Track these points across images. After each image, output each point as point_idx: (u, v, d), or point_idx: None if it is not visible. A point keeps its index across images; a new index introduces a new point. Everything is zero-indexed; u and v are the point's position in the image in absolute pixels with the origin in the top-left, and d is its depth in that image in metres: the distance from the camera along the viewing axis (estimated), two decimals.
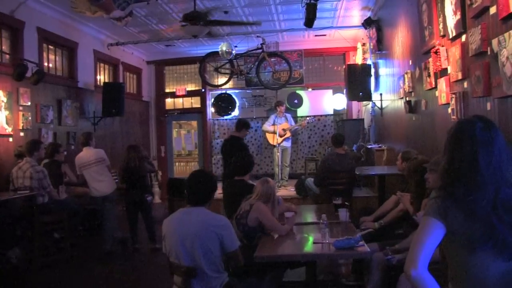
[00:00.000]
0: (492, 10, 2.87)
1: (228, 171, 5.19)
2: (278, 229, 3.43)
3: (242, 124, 6.48)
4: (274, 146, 8.33)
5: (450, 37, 3.67)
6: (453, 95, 3.63)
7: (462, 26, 3.38)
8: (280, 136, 8.25)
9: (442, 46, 3.91)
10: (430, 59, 4.18)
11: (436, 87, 4.19)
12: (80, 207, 5.95)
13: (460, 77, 3.51)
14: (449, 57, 3.76)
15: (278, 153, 8.25)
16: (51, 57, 7.19)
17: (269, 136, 8.49)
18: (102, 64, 8.78)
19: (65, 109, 7.10)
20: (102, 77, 8.78)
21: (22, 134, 6.07)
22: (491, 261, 1.49)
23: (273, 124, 8.32)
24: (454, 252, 1.56)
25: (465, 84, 3.46)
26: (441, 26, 3.94)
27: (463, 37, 3.44)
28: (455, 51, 3.56)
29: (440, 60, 3.92)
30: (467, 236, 1.48)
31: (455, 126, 1.62)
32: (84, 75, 7.84)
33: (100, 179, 5.76)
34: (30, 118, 6.21)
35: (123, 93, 8.04)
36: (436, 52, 3.97)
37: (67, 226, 5.51)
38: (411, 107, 5.24)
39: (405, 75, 5.47)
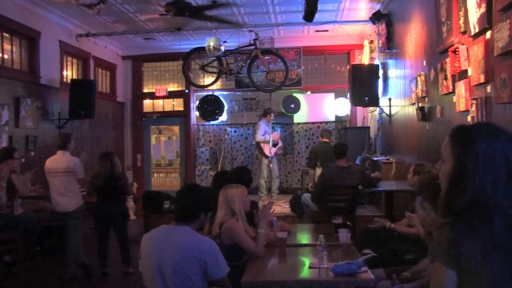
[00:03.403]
0: None
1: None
2: (251, 249, 3.39)
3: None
4: (267, 156, 8.35)
5: (472, 33, 3.64)
6: (474, 101, 3.60)
7: (487, 21, 3.33)
8: (274, 145, 8.46)
9: (462, 44, 3.89)
10: (448, 60, 4.15)
11: (453, 92, 4.18)
12: (38, 224, 5.78)
13: (482, 80, 3.47)
14: (470, 57, 3.73)
15: (272, 164, 8.25)
16: (7, 47, 7.03)
17: (265, 147, 8.53)
18: (69, 58, 8.67)
19: (23, 108, 6.94)
20: (70, 73, 8.67)
21: None
22: None
23: (266, 134, 8.46)
24: None
25: (488, 88, 3.43)
26: (461, 21, 3.92)
27: (488, 34, 3.40)
28: (478, 50, 3.52)
29: (459, 60, 3.89)
30: (487, 272, 1.40)
31: (479, 138, 1.50)
32: (47, 70, 7.70)
33: (64, 192, 5.60)
34: None
35: (94, 92, 7.94)
36: (454, 51, 3.93)
37: (21, 247, 5.37)
38: (424, 115, 5.23)
39: (418, 78, 5.46)
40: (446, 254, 1.45)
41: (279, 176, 8.84)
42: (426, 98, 5.25)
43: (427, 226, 3.25)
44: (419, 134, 5.61)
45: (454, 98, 4.13)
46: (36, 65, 7.47)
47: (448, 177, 1.52)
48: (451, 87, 4.23)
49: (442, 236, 1.48)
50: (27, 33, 7.33)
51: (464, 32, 3.87)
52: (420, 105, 5.38)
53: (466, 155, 1.48)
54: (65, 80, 8.29)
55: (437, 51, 4.66)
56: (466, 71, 3.83)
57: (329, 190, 5.75)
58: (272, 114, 8.59)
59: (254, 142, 10.11)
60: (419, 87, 5.42)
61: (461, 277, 1.44)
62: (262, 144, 8.55)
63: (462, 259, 1.42)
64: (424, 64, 5.32)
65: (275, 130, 8.73)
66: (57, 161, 5.63)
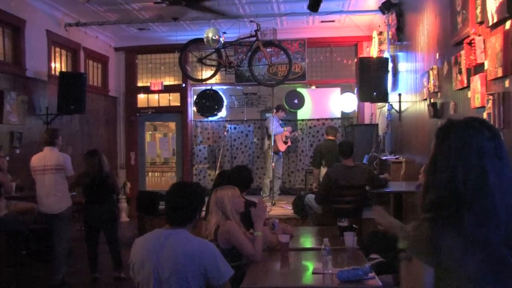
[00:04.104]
0: None
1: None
2: (249, 253, 3.40)
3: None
4: (278, 153, 8.61)
5: (490, 24, 3.59)
6: (491, 97, 3.57)
7: (507, 10, 3.27)
8: (285, 143, 8.76)
9: (479, 35, 3.84)
10: (462, 52, 4.12)
11: (468, 87, 4.15)
12: (23, 227, 5.74)
13: (500, 74, 3.43)
14: (487, 49, 3.69)
15: (274, 164, 8.25)
16: None
17: (279, 142, 8.70)
18: (58, 49, 8.64)
19: (8, 103, 6.91)
20: (58, 65, 8.64)
21: None
22: None
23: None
24: None
25: (507, 83, 3.38)
26: (478, 10, 3.87)
27: (507, 24, 3.35)
28: (496, 41, 3.47)
29: (475, 53, 3.85)
30: (465, 270, 1.43)
31: (456, 132, 1.55)
32: (34, 61, 7.66)
33: (53, 192, 5.57)
34: None
35: (84, 86, 7.92)
36: (470, 43, 3.90)
37: (4, 251, 5.34)
38: (437, 111, 5.21)
39: (430, 72, 5.44)
40: (425, 251, 1.49)
41: (281, 177, 8.91)
42: (439, 94, 5.22)
43: None
44: (431, 132, 5.56)
45: (469, 94, 4.10)
46: (21, 56, 7.44)
47: (425, 171, 1.59)
48: (465, 81, 4.19)
49: (421, 233, 1.51)
50: (11, 22, 7.29)
51: (481, 23, 3.82)
52: (432, 101, 5.35)
53: (439, 149, 1.55)
54: (53, 72, 8.26)
55: (451, 43, 4.62)
56: (482, 64, 3.79)
57: (335, 191, 5.71)
58: (282, 112, 8.82)
59: (255, 140, 10.14)
60: (431, 81, 5.38)
61: (439, 274, 1.47)
62: (276, 138, 8.61)
63: (440, 256, 1.45)
64: (437, 57, 5.29)
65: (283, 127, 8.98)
66: (45, 158, 5.60)
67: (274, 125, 8.57)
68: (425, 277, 1.50)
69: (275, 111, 8.84)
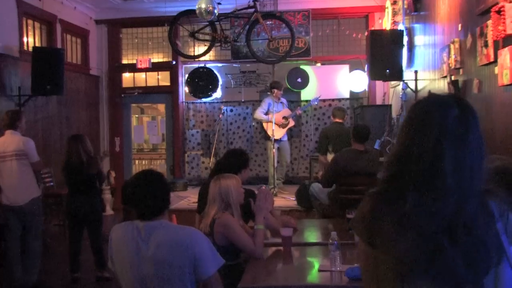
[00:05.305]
0: None
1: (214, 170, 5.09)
2: (249, 249, 3.43)
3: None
4: (270, 139, 8.32)
5: None
6: None
7: None
8: (283, 126, 8.43)
9: (510, 1, 3.82)
10: (489, 22, 4.13)
11: (495, 62, 4.15)
12: None
13: None
14: None
15: (274, 150, 8.19)
16: None
17: (267, 127, 8.53)
18: (30, 21, 8.55)
19: None
20: (31, 40, 8.57)
21: None
22: None
23: (269, 112, 8.42)
24: (384, 278, 1.53)
25: None
26: None
27: None
28: None
29: (504, 22, 3.83)
30: (403, 260, 1.46)
31: (421, 104, 1.57)
32: (2, 35, 7.58)
33: (15, 181, 5.50)
34: None
35: (61, 64, 7.82)
36: (499, 12, 3.89)
37: None
38: (458, 90, 5.22)
39: (451, 46, 5.44)
40: (364, 228, 1.54)
41: (288, 164, 8.81)
42: (461, 70, 5.25)
43: None
44: None
45: (496, 70, 4.11)
46: None
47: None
48: (492, 56, 4.20)
49: (362, 208, 1.56)
50: None
51: None
52: (453, 78, 5.38)
53: (402, 124, 1.57)
54: (25, 48, 8.19)
55: (476, 12, 4.61)
56: None
57: (343, 178, 5.68)
58: (278, 90, 8.50)
59: (254, 123, 10.09)
60: (452, 56, 5.39)
61: (376, 254, 1.52)
62: (265, 124, 8.52)
63: (376, 234, 1.49)
64: (459, 28, 5.28)
65: (284, 108, 8.73)
66: (5, 143, 5.53)
67: (265, 108, 8.52)
68: (366, 256, 1.58)
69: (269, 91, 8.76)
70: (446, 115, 1.47)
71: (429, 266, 1.44)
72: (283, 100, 8.84)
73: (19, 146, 5.53)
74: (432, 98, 1.58)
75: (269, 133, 8.38)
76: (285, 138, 8.75)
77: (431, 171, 1.45)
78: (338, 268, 3.02)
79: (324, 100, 10.08)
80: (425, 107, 1.54)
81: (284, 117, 8.49)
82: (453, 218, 1.43)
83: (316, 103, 9.22)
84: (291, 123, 8.67)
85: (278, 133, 8.37)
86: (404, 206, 1.44)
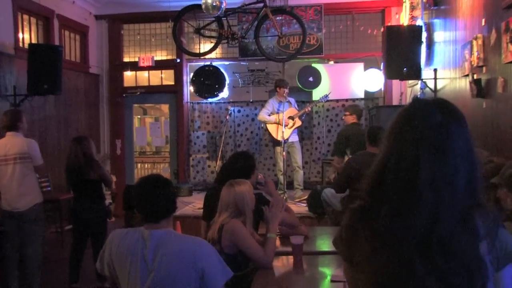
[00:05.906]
0: None
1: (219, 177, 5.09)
2: (258, 257, 3.44)
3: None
4: (279, 142, 8.28)
5: None
6: None
7: None
8: (288, 127, 8.30)
9: None
10: None
11: None
12: None
13: None
14: None
15: (284, 153, 8.18)
16: None
17: (271, 129, 8.41)
18: (26, 16, 8.58)
19: None
20: (27, 36, 8.60)
21: None
22: None
23: (275, 112, 8.40)
24: None
25: None
26: None
27: None
28: None
29: None
30: (371, 270, 1.48)
31: (403, 111, 1.56)
32: None
33: (17, 186, 5.49)
34: None
35: (59, 61, 7.80)
36: None
37: None
38: (481, 89, 5.22)
39: (474, 42, 5.41)
40: (342, 246, 1.58)
41: (300, 167, 8.72)
42: (484, 68, 5.22)
43: None
44: (474, 114, 5.54)
45: None
46: None
47: None
48: None
49: (342, 223, 1.59)
50: None
51: None
52: (475, 77, 5.35)
53: (386, 132, 1.58)
54: (21, 44, 8.21)
55: (501, 6, 4.58)
56: None
57: (357, 183, 5.62)
58: (284, 89, 8.38)
59: (262, 125, 10.05)
60: (475, 53, 5.36)
61: (353, 273, 1.54)
62: (270, 127, 8.49)
63: (354, 252, 1.52)
64: (483, 23, 5.25)
65: (290, 105, 8.55)
66: (6, 145, 5.50)
67: (269, 109, 8.47)
68: (346, 274, 1.61)
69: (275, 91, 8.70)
70: (425, 122, 1.46)
71: (401, 281, 1.41)
72: (291, 99, 8.70)
73: (23, 148, 5.51)
74: (415, 103, 1.56)
75: (274, 135, 8.36)
76: (296, 139, 8.62)
77: (407, 182, 1.43)
78: None
79: (337, 100, 10.05)
80: (406, 113, 1.53)
81: (290, 117, 8.35)
82: (426, 234, 1.39)
83: (325, 100, 9.12)
84: (298, 122, 8.54)
85: (284, 133, 8.30)
86: (378, 221, 1.44)
